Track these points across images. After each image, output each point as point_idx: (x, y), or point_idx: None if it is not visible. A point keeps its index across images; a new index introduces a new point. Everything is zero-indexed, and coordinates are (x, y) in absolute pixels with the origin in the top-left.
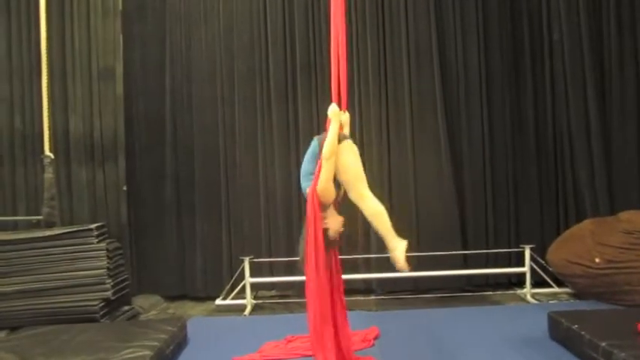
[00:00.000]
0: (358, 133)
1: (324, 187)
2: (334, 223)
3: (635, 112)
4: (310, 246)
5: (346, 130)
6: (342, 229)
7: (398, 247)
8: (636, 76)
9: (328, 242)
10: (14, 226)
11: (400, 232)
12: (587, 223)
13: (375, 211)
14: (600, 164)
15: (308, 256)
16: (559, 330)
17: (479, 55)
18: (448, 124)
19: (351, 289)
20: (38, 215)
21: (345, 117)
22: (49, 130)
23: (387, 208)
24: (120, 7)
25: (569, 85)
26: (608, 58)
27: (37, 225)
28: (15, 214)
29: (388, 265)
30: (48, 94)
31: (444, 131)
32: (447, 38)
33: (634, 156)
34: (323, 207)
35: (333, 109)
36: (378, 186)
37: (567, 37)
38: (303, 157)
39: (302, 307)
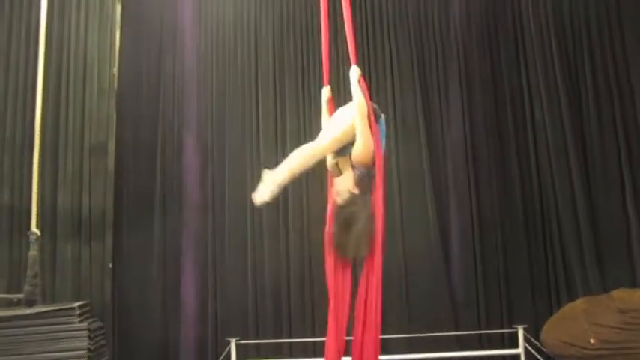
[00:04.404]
0: None
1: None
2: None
3: (617, 183)
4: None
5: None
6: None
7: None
8: (616, 150)
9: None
10: None
11: (391, 312)
12: (579, 303)
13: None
14: (588, 239)
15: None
16: None
17: (464, 129)
18: (436, 200)
19: None
20: (20, 293)
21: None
22: (37, 205)
23: None
24: (115, 86)
25: (552, 160)
26: (589, 132)
27: (17, 303)
28: None
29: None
30: (39, 170)
31: (432, 207)
32: (433, 115)
33: (620, 230)
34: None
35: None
36: None
37: (548, 114)
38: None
39: None
